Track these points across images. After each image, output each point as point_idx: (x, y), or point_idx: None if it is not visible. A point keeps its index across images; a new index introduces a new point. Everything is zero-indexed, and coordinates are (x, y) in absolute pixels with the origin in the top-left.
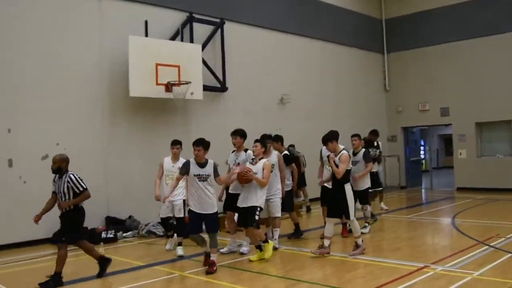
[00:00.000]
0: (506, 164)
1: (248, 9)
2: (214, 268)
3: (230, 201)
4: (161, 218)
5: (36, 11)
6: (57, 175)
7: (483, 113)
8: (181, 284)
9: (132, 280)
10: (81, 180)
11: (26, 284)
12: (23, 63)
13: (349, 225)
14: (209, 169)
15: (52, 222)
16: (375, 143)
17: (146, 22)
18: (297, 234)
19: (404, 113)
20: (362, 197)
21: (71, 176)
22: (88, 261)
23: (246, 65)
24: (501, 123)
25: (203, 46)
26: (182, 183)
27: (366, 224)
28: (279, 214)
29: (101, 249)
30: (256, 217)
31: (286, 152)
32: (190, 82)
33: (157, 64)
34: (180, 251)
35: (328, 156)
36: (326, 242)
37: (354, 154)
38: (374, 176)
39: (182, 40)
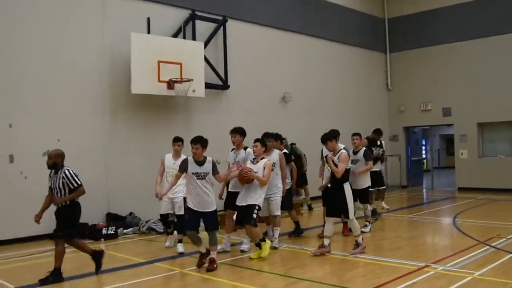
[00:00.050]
0: (507, 164)
1: (251, 7)
2: (215, 265)
3: (230, 199)
4: (161, 215)
5: (38, 8)
6: (53, 171)
7: (485, 114)
8: (181, 281)
9: (132, 276)
10: (76, 175)
11: (27, 279)
12: (24, 59)
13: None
14: (207, 167)
15: (52, 218)
16: (378, 142)
17: (148, 19)
18: (297, 232)
19: (406, 113)
20: (362, 196)
21: (66, 171)
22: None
23: (248, 63)
24: (503, 123)
25: (206, 44)
26: (182, 180)
27: (367, 223)
28: (279, 213)
29: (102, 245)
30: (254, 216)
31: (285, 150)
32: (192, 80)
33: (159, 61)
34: (180, 248)
35: (326, 156)
36: (326, 241)
37: (355, 153)
38: (378, 175)
39: (184, 38)
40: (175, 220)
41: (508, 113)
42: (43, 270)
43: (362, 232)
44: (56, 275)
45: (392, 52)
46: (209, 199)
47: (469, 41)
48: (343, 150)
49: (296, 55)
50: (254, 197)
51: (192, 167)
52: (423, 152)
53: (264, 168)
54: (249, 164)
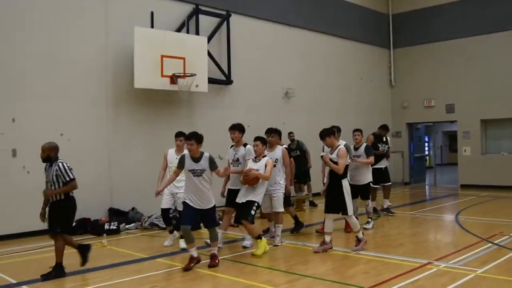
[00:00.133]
0: (510, 161)
1: (254, 2)
2: (216, 261)
3: (230, 196)
4: (162, 209)
5: (41, 2)
6: (48, 164)
7: (489, 110)
8: (183, 277)
9: (134, 272)
10: (70, 169)
11: (29, 274)
12: (27, 54)
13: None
14: (203, 164)
15: None
16: (384, 139)
17: (152, 14)
18: (298, 227)
19: (409, 109)
20: (363, 192)
21: (60, 164)
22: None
23: (251, 58)
24: (507, 120)
25: (209, 39)
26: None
27: (369, 220)
28: (280, 210)
29: (104, 241)
30: (252, 212)
31: (285, 146)
32: (195, 75)
33: (162, 56)
34: (182, 243)
35: (321, 157)
36: (327, 238)
37: (356, 149)
38: (383, 172)
39: (187, 32)
40: (177, 216)
41: (511, 110)
42: (45, 265)
43: (365, 229)
44: (58, 270)
45: (395, 48)
46: (207, 196)
47: (473, 38)
48: (341, 146)
49: (299, 50)
50: (254, 194)
51: (189, 163)
52: (426, 148)
53: (265, 166)
54: (250, 163)
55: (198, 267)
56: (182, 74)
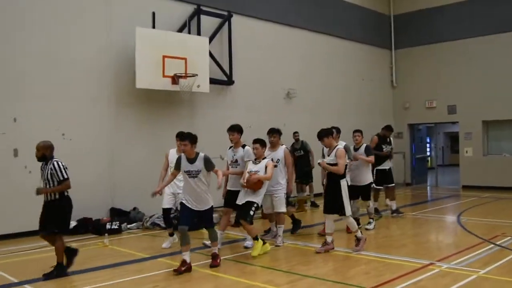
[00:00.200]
0: None
1: (256, 2)
2: (218, 260)
3: (229, 197)
4: (163, 209)
5: (42, 1)
6: (43, 163)
7: (491, 112)
8: (184, 277)
9: (135, 272)
10: (65, 168)
11: (31, 273)
12: (27, 54)
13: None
14: (199, 165)
15: None
16: (388, 139)
17: (153, 14)
18: (296, 226)
19: (411, 110)
20: (364, 192)
21: (55, 163)
22: (93, 252)
23: (253, 59)
24: (509, 121)
25: (210, 39)
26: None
27: (371, 220)
28: (282, 210)
29: (106, 240)
30: (251, 212)
31: (286, 147)
32: (196, 75)
33: (164, 56)
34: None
35: (319, 164)
36: (329, 238)
37: (356, 149)
38: (387, 173)
39: (189, 33)
40: (178, 216)
41: None
42: (46, 265)
43: (366, 229)
44: (59, 269)
45: (397, 49)
46: (203, 197)
47: (475, 38)
48: (339, 146)
49: (300, 50)
50: (253, 195)
51: (184, 164)
52: (428, 149)
53: (266, 167)
54: (250, 165)
55: (199, 266)
56: (184, 75)
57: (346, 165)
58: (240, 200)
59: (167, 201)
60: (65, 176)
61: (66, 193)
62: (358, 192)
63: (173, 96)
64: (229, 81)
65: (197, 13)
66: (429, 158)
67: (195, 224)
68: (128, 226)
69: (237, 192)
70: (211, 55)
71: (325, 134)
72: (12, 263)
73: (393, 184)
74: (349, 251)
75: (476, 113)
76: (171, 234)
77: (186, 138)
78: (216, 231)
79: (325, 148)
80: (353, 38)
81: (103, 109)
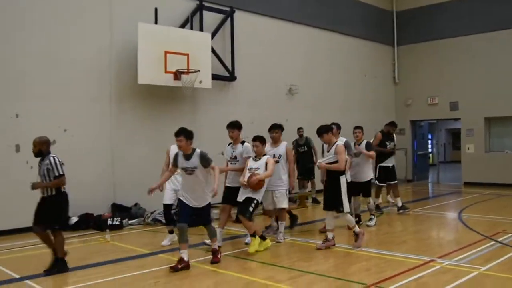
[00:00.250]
0: None
1: None
2: (218, 256)
3: (228, 194)
4: (164, 205)
5: (42, 1)
6: (40, 158)
7: (493, 108)
8: (185, 273)
9: (137, 267)
10: (61, 164)
11: (32, 269)
12: (32, 49)
13: (356, 217)
14: (194, 161)
15: None
16: (391, 136)
17: (156, 9)
18: (294, 222)
19: (413, 106)
20: (365, 189)
21: (51, 158)
22: (95, 247)
23: (255, 55)
24: (511, 118)
25: (213, 35)
26: None
27: (372, 217)
28: (285, 206)
29: (107, 236)
30: (250, 208)
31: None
32: (199, 71)
33: (166, 52)
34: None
35: (317, 166)
36: (330, 235)
37: (356, 152)
38: (390, 170)
39: (191, 28)
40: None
41: None
42: (47, 260)
43: (367, 226)
44: (61, 265)
45: (399, 45)
46: (201, 194)
47: (477, 35)
48: (338, 142)
49: (303, 47)
50: (254, 191)
51: (181, 161)
52: (429, 146)
53: (266, 164)
54: (251, 161)
55: (200, 262)
56: (186, 70)
57: (346, 160)
58: (240, 197)
59: (168, 197)
60: (61, 172)
61: (63, 189)
62: (359, 188)
63: (175, 92)
64: (231, 77)
65: (200, 8)
66: (430, 155)
67: (193, 221)
68: (130, 222)
69: (236, 189)
70: (213, 51)
71: (324, 131)
72: (14, 259)
73: (396, 181)
74: (350, 247)
75: (478, 109)
76: (170, 232)
77: (181, 134)
78: (215, 228)
79: (324, 144)
80: (356, 35)
81: (105, 105)
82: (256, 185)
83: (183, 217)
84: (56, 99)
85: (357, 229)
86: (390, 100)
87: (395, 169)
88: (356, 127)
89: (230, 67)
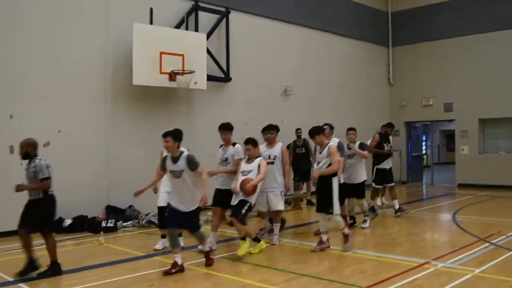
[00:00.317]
0: (508, 161)
1: None
2: (211, 257)
3: (219, 196)
4: (158, 207)
5: (42, 1)
6: (28, 161)
7: (487, 110)
8: (180, 275)
9: (131, 270)
10: (47, 167)
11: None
12: (27, 50)
13: (350, 219)
14: (181, 164)
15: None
16: (389, 137)
17: (151, 10)
18: (282, 225)
19: (408, 108)
20: (358, 191)
21: (37, 161)
22: (89, 250)
23: (250, 55)
24: (505, 120)
25: (208, 35)
26: None
27: (366, 218)
28: (280, 208)
29: (101, 238)
30: (243, 211)
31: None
32: (194, 72)
33: (161, 53)
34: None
35: (312, 179)
36: (324, 237)
37: (349, 148)
38: (387, 172)
39: (187, 29)
40: None
41: (510, 109)
42: (42, 263)
43: (362, 228)
44: (54, 268)
45: (394, 46)
46: (188, 198)
47: (472, 36)
48: (331, 144)
49: (298, 47)
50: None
51: (169, 164)
52: (423, 147)
53: (259, 166)
54: (243, 164)
55: (195, 265)
56: (181, 71)
57: (339, 160)
58: (234, 200)
59: (162, 199)
60: (46, 175)
61: (50, 192)
62: (352, 190)
63: (170, 93)
64: (227, 78)
65: (195, 9)
66: (425, 156)
67: (182, 225)
68: (124, 224)
69: (227, 191)
70: (208, 51)
71: (316, 132)
72: (7, 262)
73: (393, 184)
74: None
75: (473, 111)
76: (163, 236)
77: (169, 134)
78: (202, 233)
79: (316, 148)
80: (350, 35)
81: (100, 106)
82: (251, 191)
83: (172, 221)
84: (52, 103)
85: (346, 230)
86: (385, 101)
87: (392, 171)
88: (350, 129)
89: (225, 68)
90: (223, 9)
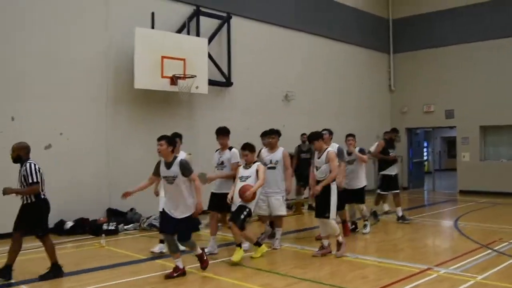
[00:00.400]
0: (510, 168)
1: (255, 4)
2: (205, 258)
3: (214, 200)
4: (160, 212)
5: (42, 1)
6: (20, 164)
7: (489, 117)
8: (181, 279)
9: (131, 273)
10: (37, 171)
11: (27, 274)
12: (28, 53)
13: (352, 225)
14: (175, 170)
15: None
16: (393, 143)
17: (152, 14)
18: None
19: (409, 114)
20: (358, 196)
21: (27, 165)
22: (90, 253)
23: (251, 61)
24: (506, 127)
25: (209, 40)
26: None
27: (366, 223)
28: (282, 213)
29: (102, 241)
30: (242, 216)
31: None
32: (195, 76)
33: (162, 57)
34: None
35: (313, 194)
36: (325, 242)
37: (349, 154)
38: (393, 179)
39: (188, 34)
40: None
41: (511, 117)
42: (43, 265)
43: (363, 233)
44: (55, 270)
45: (395, 53)
46: (181, 205)
47: (473, 44)
48: (329, 149)
49: (299, 53)
50: None
51: (162, 169)
52: (425, 154)
53: (257, 171)
54: (241, 170)
55: (197, 269)
56: (182, 76)
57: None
58: (233, 206)
59: (163, 204)
60: (35, 180)
61: (43, 196)
62: (351, 196)
63: (171, 97)
64: (228, 83)
65: (196, 14)
66: (426, 163)
67: (175, 232)
68: (125, 227)
69: (222, 195)
70: (210, 56)
71: (315, 137)
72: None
73: (398, 191)
74: (346, 255)
75: (474, 118)
76: (161, 241)
77: (163, 138)
78: (191, 242)
79: (315, 153)
80: (352, 42)
81: (101, 109)
82: (251, 198)
83: (166, 228)
84: (52, 103)
85: (340, 238)
86: (386, 108)
87: (398, 178)
88: (349, 135)
89: (226, 73)
90: (224, 14)
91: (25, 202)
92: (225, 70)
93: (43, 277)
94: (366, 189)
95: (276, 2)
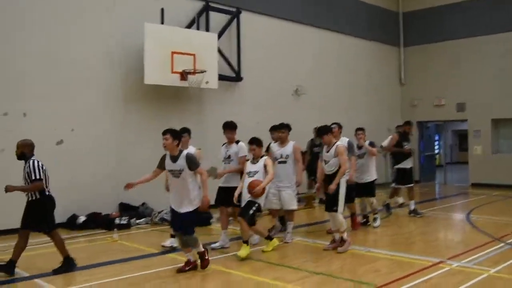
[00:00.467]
0: None
1: None
2: (206, 257)
3: (222, 195)
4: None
5: (42, 1)
6: (24, 161)
7: (500, 110)
8: (192, 273)
9: (143, 267)
10: (40, 168)
11: (40, 268)
12: (32, 49)
13: (363, 218)
14: (181, 163)
15: (61, 206)
16: (408, 136)
17: (162, 10)
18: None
19: (419, 108)
20: (368, 190)
21: (31, 162)
22: (102, 247)
23: (261, 55)
24: None
25: (219, 35)
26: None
27: (376, 217)
28: (293, 207)
29: (115, 235)
30: (251, 212)
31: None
32: (205, 71)
33: (172, 52)
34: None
35: (327, 192)
36: (337, 236)
37: (359, 147)
38: (407, 172)
39: (198, 29)
40: None
41: None
42: (55, 259)
43: (373, 227)
44: (67, 264)
45: (406, 46)
46: (185, 199)
47: (485, 37)
48: (338, 143)
49: (309, 48)
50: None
51: (168, 163)
52: (436, 147)
53: (265, 166)
54: (249, 165)
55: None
56: (192, 71)
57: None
58: (242, 202)
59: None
60: (37, 177)
61: (47, 192)
62: (362, 189)
63: (181, 92)
64: (238, 78)
65: (206, 9)
66: (437, 156)
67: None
68: (137, 221)
69: (229, 189)
70: (219, 51)
71: (324, 131)
72: (23, 257)
73: (412, 184)
74: (356, 248)
75: (485, 111)
76: (172, 236)
77: (168, 132)
78: (193, 238)
79: (324, 148)
80: (362, 35)
81: (112, 104)
82: (260, 194)
83: (174, 225)
84: (64, 99)
85: (345, 235)
86: (396, 101)
87: (412, 171)
88: (358, 129)
89: (236, 68)
90: (234, 9)
91: (30, 199)
92: (235, 65)
93: (56, 271)
94: (376, 183)
95: None
